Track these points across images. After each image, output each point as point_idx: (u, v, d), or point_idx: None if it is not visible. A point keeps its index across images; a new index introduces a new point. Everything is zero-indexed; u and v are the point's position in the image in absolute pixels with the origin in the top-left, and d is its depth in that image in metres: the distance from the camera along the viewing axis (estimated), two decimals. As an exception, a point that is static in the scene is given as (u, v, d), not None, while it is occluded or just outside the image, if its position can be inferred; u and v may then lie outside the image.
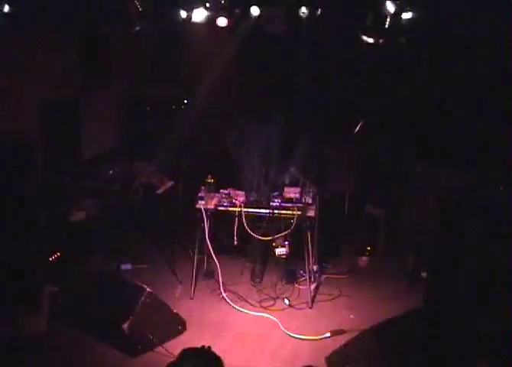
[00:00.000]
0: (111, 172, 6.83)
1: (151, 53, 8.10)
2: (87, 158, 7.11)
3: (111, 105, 7.70)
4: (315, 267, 6.11)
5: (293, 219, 5.62)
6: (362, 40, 5.95)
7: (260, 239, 5.70)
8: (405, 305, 5.38)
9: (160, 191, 6.85)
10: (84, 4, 5.81)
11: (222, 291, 5.88)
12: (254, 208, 5.69)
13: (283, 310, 5.76)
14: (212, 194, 5.84)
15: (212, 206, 5.74)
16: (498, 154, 6.14)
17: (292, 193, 5.77)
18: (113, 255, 6.30)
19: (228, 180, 6.00)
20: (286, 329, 5.39)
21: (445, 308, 4.87)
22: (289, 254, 5.89)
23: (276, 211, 5.66)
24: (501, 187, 5.45)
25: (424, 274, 6.03)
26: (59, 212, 6.04)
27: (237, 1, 6.33)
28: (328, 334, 5.27)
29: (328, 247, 6.61)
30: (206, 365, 3.10)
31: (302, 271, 6.08)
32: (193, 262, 5.86)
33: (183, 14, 6.34)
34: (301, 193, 5.75)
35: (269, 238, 5.72)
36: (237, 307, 5.74)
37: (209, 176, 5.89)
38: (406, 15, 5.71)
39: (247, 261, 6.37)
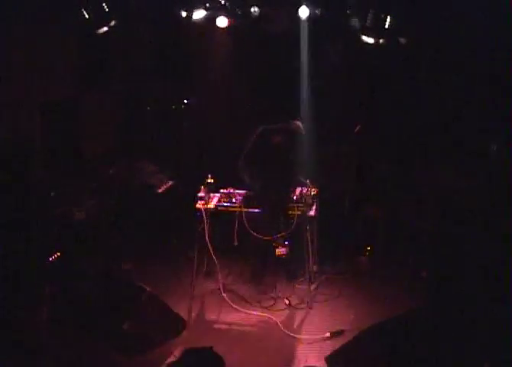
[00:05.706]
0: (111, 172, 6.83)
1: (151, 53, 8.08)
2: (87, 158, 7.10)
3: (111, 105, 7.69)
4: (315, 267, 6.12)
5: (293, 218, 5.62)
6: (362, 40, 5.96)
7: (260, 239, 5.70)
8: (405, 305, 5.38)
9: (160, 191, 6.84)
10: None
11: (222, 291, 5.88)
12: (254, 208, 5.70)
13: (283, 310, 5.76)
14: (212, 194, 5.84)
15: (212, 206, 5.75)
16: (498, 154, 6.14)
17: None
18: (113, 255, 6.29)
19: (228, 180, 5.99)
20: (286, 329, 5.39)
21: (445, 308, 4.87)
22: (289, 254, 5.89)
23: (276, 211, 5.66)
24: (501, 187, 5.46)
25: (424, 274, 6.03)
26: (59, 212, 6.04)
27: (237, 1, 6.34)
28: (328, 334, 5.28)
29: (328, 247, 6.60)
30: (207, 365, 3.10)
31: (302, 271, 6.08)
32: (193, 262, 5.87)
33: (183, 14, 6.36)
34: (301, 193, 5.75)
35: (269, 238, 5.72)
36: (237, 307, 5.74)
37: (209, 176, 5.89)
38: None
39: (247, 261, 6.37)
